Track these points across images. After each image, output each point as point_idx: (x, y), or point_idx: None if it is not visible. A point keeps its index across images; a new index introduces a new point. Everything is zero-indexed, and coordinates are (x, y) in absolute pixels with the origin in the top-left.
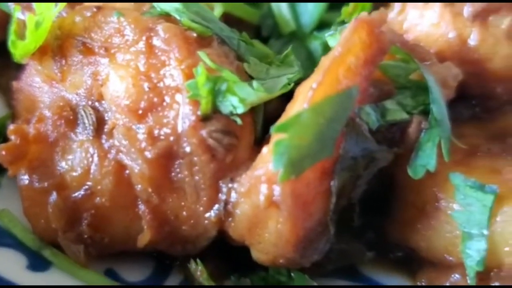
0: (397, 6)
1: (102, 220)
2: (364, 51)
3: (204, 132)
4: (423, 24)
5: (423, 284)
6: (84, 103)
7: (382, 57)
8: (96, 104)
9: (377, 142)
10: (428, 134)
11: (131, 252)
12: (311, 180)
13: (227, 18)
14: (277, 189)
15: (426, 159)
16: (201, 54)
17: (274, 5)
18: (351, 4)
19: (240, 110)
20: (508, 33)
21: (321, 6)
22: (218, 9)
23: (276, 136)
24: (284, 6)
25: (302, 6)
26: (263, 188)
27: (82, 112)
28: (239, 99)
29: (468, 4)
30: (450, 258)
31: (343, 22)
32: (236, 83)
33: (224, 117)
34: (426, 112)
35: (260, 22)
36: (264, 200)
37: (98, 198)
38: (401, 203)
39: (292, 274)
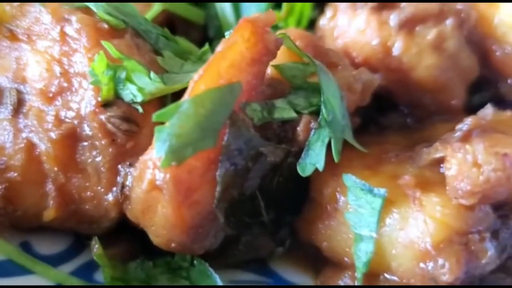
0: (328, 12)
1: (15, 193)
2: (249, 50)
3: (103, 117)
4: (351, 31)
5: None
6: (10, 85)
7: (269, 57)
8: (21, 87)
9: (266, 138)
10: (318, 134)
11: (51, 228)
12: (195, 168)
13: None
14: (159, 174)
15: (316, 158)
16: (105, 43)
17: (218, 5)
18: (284, 8)
19: (139, 98)
20: (434, 44)
21: (264, 6)
22: (156, 8)
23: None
24: (227, 7)
25: (245, 6)
26: (148, 173)
27: (7, 93)
28: (137, 88)
29: (395, 13)
30: (346, 259)
31: (276, 27)
32: (134, 72)
33: (126, 104)
34: (318, 113)
35: (206, 23)
36: (147, 184)
37: (11, 173)
38: (310, 201)
39: (195, 262)
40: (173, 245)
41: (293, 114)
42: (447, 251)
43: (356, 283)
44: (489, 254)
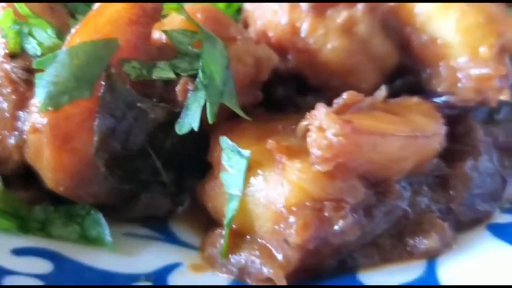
0: None
1: None
2: (125, 9)
3: (8, 67)
4: (267, 12)
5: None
6: None
7: (147, 19)
8: None
9: (146, 96)
10: (194, 96)
11: None
12: (72, 115)
13: None
14: (39, 118)
15: (192, 118)
16: (17, 4)
17: None
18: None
19: (39, 52)
20: (343, 27)
21: None
22: None
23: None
24: None
25: None
26: (32, 117)
27: None
28: (37, 43)
29: None
30: (223, 219)
31: None
32: (35, 28)
33: (30, 57)
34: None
35: None
36: (30, 126)
37: None
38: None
39: (92, 211)
40: (61, 188)
41: (172, 75)
42: (298, 214)
43: (222, 242)
44: (342, 224)
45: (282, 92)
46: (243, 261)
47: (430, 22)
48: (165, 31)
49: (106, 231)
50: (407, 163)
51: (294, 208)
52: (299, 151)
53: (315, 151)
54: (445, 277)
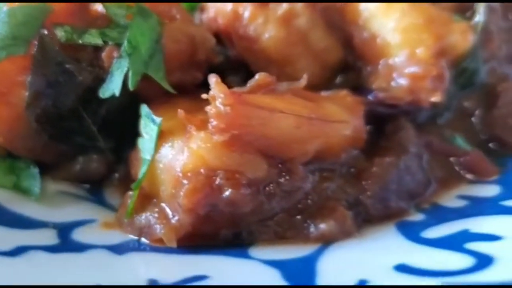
0: None
1: None
2: None
3: None
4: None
5: None
6: None
7: None
8: None
9: (76, 59)
10: (118, 63)
11: None
12: (8, 70)
13: None
14: None
15: (115, 84)
16: None
17: None
18: None
19: None
20: (283, 18)
21: None
22: None
23: None
24: None
25: None
26: None
27: None
28: None
29: None
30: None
31: None
32: None
33: None
34: None
35: None
36: None
37: None
38: None
39: (31, 165)
40: (0, 139)
41: (99, 41)
42: (191, 179)
43: (129, 202)
44: (230, 192)
45: (233, 78)
46: (143, 221)
47: (372, 20)
48: (103, 4)
49: (37, 184)
50: (309, 146)
51: (189, 174)
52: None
53: (212, 121)
54: (323, 264)
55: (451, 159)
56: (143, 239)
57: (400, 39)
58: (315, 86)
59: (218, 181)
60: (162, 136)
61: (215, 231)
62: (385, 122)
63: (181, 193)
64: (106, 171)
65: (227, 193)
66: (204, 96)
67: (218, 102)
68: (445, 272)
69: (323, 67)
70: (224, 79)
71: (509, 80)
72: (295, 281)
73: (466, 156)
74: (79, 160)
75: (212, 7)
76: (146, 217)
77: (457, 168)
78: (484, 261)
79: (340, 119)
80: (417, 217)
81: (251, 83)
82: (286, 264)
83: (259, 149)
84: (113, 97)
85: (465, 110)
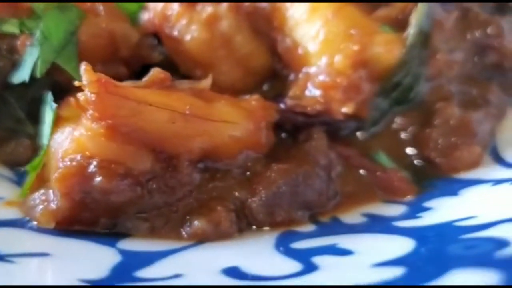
0: None
1: None
2: None
3: None
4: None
5: None
6: None
7: None
8: None
9: None
10: (30, 51)
11: None
12: None
13: None
14: None
15: (25, 71)
16: None
17: None
18: None
19: None
20: (206, 21)
21: None
22: None
23: None
24: None
25: None
26: None
27: None
28: None
29: None
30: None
31: None
32: None
33: None
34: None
35: None
36: None
37: None
38: None
39: None
40: None
41: (16, 30)
42: (66, 164)
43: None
44: (100, 181)
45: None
46: (31, 202)
47: (297, 27)
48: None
49: None
50: (192, 143)
51: (66, 159)
52: None
53: (88, 110)
54: (169, 261)
55: (368, 174)
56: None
57: (320, 48)
58: (239, 91)
59: (91, 168)
60: (59, 123)
61: (93, 218)
62: (300, 131)
63: (54, 177)
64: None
65: (97, 181)
66: (76, 83)
67: (87, 90)
68: (269, 277)
69: (247, 72)
70: None
71: (452, 99)
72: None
73: (383, 173)
74: (10, 144)
75: (152, 7)
76: (34, 198)
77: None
78: (309, 268)
79: (227, 119)
80: (307, 228)
81: (146, 78)
82: (136, 256)
83: (145, 142)
84: (37, 83)
85: (398, 126)
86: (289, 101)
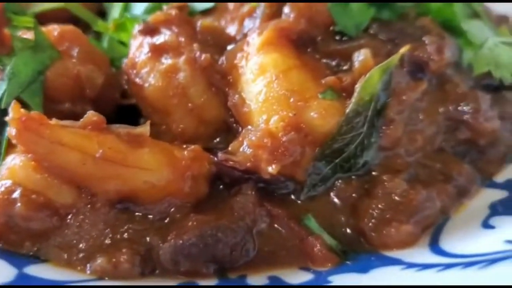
0: None
1: None
2: None
3: None
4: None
5: None
6: None
7: None
8: None
9: None
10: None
11: None
12: None
13: None
14: None
15: None
16: None
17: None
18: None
19: None
20: (165, 70)
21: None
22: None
23: None
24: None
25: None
26: None
27: None
28: None
29: (154, 38)
30: None
31: None
32: None
33: None
34: None
35: None
36: None
37: None
38: None
39: None
40: None
41: None
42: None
43: None
44: (18, 209)
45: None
46: None
47: (247, 85)
48: (12, 35)
49: None
50: (107, 185)
51: (0, 184)
52: None
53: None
54: None
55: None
56: None
57: (259, 108)
58: (190, 140)
59: (15, 195)
60: (10, 150)
61: (19, 241)
62: (234, 185)
63: None
64: None
65: (17, 207)
66: (6, 118)
67: (12, 124)
68: None
69: (200, 123)
70: None
71: (403, 172)
72: None
73: (306, 239)
74: None
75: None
76: None
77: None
78: None
79: (142, 166)
80: (209, 282)
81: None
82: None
83: (68, 178)
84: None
85: (338, 193)
86: (220, 155)
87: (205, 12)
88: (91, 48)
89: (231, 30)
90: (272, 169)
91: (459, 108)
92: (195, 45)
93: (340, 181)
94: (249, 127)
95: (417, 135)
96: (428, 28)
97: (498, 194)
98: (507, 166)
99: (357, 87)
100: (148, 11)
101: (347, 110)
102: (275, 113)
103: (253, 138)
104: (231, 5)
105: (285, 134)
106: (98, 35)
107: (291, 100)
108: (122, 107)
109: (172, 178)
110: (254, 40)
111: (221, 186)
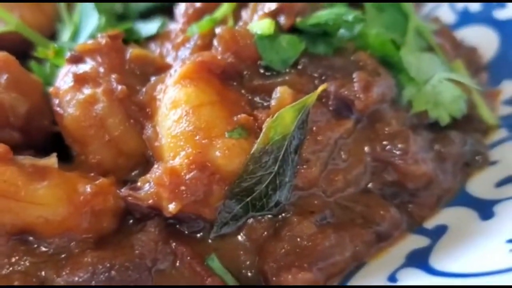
0: None
1: None
2: None
3: None
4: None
5: None
6: None
7: None
8: None
9: None
10: None
11: None
12: None
13: None
14: None
15: None
16: None
17: None
18: None
19: None
20: (84, 100)
21: None
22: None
23: None
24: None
25: None
26: None
27: None
28: None
29: (78, 67)
30: None
31: None
32: None
33: None
34: None
35: None
36: None
37: None
38: None
39: None
40: None
41: None
42: None
43: None
44: None
45: None
46: None
47: (161, 119)
48: None
49: None
50: (3, 218)
51: None
52: None
53: None
54: None
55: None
56: None
57: (168, 144)
58: (108, 171)
59: None
60: None
61: None
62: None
63: None
64: None
65: None
66: None
67: None
68: None
69: (118, 154)
70: None
71: (315, 214)
72: None
73: (206, 279)
74: None
75: None
76: None
77: None
78: None
79: (35, 201)
80: None
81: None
82: None
83: None
84: None
85: (248, 232)
86: (123, 190)
87: (150, 38)
88: (21, 75)
89: (170, 58)
90: (172, 208)
91: (387, 148)
92: (114, 76)
93: (252, 220)
94: (159, 162)
95: (339, 175)
96: (364, 63)
97: (421, 242)
98: (441, 211)
99: (264, 127)
100: (92, 36)
101: (253, 150)
102: (181, 149)
103: (157, 174)
104: (173, 33)
105: (189, 172)
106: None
107: (197, 137)
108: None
109: (68, 213)
110: (175, 72)
111: (131, 221)
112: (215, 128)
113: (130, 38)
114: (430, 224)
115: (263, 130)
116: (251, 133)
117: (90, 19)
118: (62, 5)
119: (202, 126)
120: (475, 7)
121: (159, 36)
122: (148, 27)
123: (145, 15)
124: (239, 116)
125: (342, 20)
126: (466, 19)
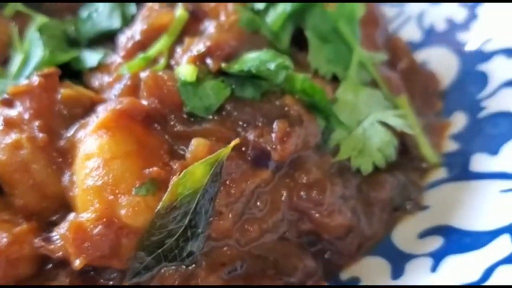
0: None
1: None
2: None
3: None
4: None
5: None
6: None
7: None
8: None
9: None
10: None
11: None
12: None
13: None
14: None
15: None
16: None
17: None
18: None
19: None
20: (11, 145)
21: None
22: None
23: None
24: None
25: None
26: None
27: None
28: None
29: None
30: None
31: None
32: None
33: None
34: None
35: None
36: None
37: None
38: None
39: None
40: None
41: None
42: None
43: None
44: None
45: None
46: None
47: (78, 169)
48: None
49: None
50: None
51: None
52: None
53: None
54: None
55: None
56: None
57: (78, 196)
58: (33, 213)
59: None
60: None
61: None
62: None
63: None
64: None
65: None
66: None
67: None
68: None
69: (42, 198)
70: None
71: (227, 266)
72: None
73: None
74: None
75: None
76: None
77: None
78: None
79: None
80: None
81: None
82: None
83: None
84: None
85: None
86: (36, 241)
87: (93, 69)
88: None
89: (107, 94)
90: (78, 263)
91: (304, 198)
92: (37, 124)
93: (165, 269)
94: (73, 213)
95: (254, 224)
96: (288, 108)
97: None
98: (361, 259)
99: (170, 184)
100: (39, 67)
101: (158, 207)
102: (90, 204)
103: (64, 230)
104: (113, 65)
105: (95, 228)
106: None
107: (105, 193)
108: None
109: None
110: (95, 120)
111: (50, 265)
112: (122, 184)
113: (77, 68)
114: (346, 274)
115: (169, 187)
116: (162, 187)
117: (37, 49)
118: (15, 31)
119: (110, 181)
120: (441, 26)
121: (100, 68)
122: (91, 58)
123: (94, 42)
124: (151, 169)
125: (266, 67)
126: (431, 38)
